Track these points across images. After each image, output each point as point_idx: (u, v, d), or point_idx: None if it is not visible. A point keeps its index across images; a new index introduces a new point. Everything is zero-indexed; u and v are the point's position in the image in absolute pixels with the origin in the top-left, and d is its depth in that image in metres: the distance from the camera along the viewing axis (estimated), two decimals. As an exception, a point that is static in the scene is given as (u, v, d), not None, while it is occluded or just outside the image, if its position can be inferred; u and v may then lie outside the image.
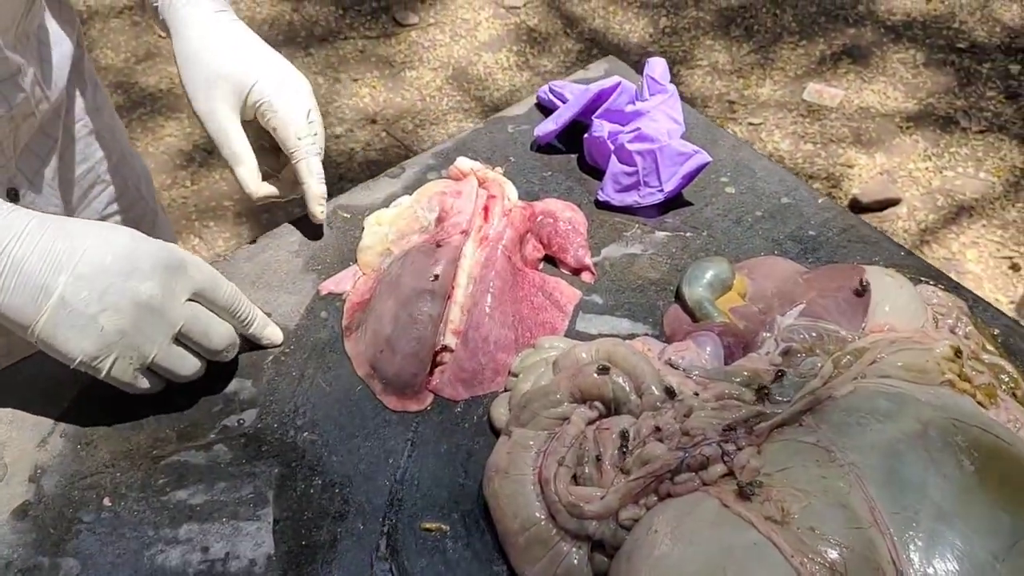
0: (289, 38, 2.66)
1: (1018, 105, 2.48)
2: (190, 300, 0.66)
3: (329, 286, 0.78)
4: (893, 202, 2.28)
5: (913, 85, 2.52)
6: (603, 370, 0.64)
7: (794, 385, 0.63)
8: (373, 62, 2.60)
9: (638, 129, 0.80)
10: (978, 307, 0.74)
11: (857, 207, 2.25)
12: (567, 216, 0.77)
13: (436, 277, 0.70)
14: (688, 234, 0.80)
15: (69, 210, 0.92)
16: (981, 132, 2.42)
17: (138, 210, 1.02)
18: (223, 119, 0.76)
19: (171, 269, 0.64)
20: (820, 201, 0.83)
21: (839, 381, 0.62)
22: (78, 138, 0.92)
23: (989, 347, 0.71)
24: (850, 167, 2.36)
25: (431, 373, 0.70)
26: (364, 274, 0.77)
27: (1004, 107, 2.47)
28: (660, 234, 0.80)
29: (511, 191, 0.76)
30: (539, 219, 0.77)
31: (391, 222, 0.78)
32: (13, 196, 0.82)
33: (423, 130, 2.44)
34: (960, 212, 2.28)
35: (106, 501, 0.63)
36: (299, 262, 0.79)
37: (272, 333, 0.72)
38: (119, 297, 0.62)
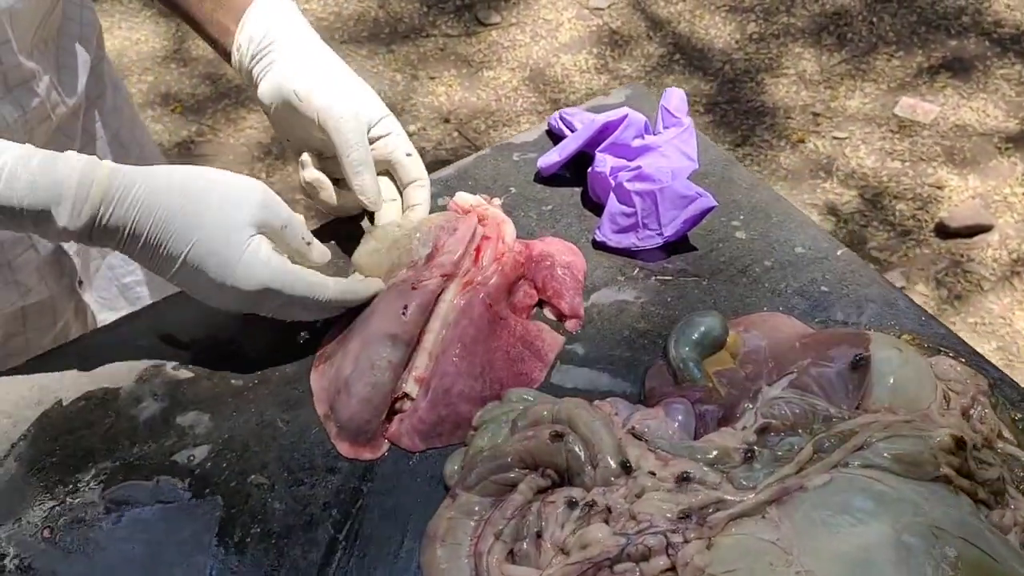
0: (373, 34, 2.67)
1: None
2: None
3: None
4: (984, 228, 2.14)
5: (1016, 104, 2.35)
6: (558, 436, 0.59)
7: (766, 468, 0.57)
8: (452, 60, 2.59)
9: (639, 168, 0.74)
10: (1002, 386, 0.66)
11: (944, 232, 2.12)
12: (566, 260, 0.72)
13: (403, 322, 0.66)
14: (688, 281, 0.75)
15: None
16: (1089, 158, 2.24)
17: None
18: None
19: (260, 293, 0.68)
20: (840, 253, 0.76)
21: (815, 469, 0.56)
22: (97, 139, 0.93)
23: (1007, 434, 0.63)
24: (939, 188, 2.21)
25: (389, 420, 0.67)
26: None
27: (1116, 132, 2.29)
28: (657, 280, 0.75)
29: (508, 233, 0.72)
30: (536, 263, 0.72)
31: (387, 248, 0.74)
32: None
33: (495, 131, 2.42)
34: (1059, 243, 2.12)
35: (45, 532, 0.62)
36: (279, 290, 0.76)
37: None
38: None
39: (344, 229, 0.81)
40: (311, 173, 0.78)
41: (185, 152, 2.40)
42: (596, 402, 0.64)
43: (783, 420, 0.60)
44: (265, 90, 0.77)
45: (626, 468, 0.57)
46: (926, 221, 2.16)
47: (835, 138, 2.34)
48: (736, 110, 2.38)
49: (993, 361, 0.69)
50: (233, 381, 0.70)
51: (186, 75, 2.57)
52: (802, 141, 2.32)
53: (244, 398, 0.69)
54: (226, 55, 0.81)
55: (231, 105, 2.54)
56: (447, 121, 2.43)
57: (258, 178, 2.38)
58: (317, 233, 0.76)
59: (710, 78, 2.48)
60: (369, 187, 0.75)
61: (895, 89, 2.41)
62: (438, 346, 0.68)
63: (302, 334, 0.73)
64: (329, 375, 0.68)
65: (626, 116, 0.78)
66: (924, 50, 2.50)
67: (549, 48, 2.59)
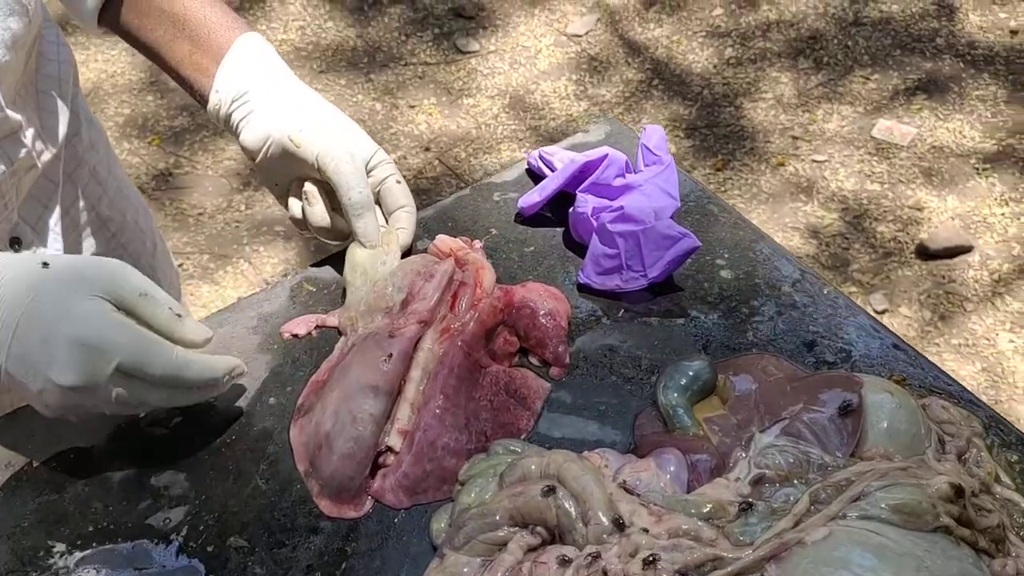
0: (352, 63, 2.66)
1: (1109, 149, 2.30)
2: (121, 373, 0.62)
3: (290, 328, 0.74)
4: (964, 249, 2.14)
5: (992, 124, 2.37)
6: (549, 491, 0.57)
7: (763, 522, 0.55)
8: (431, 88, 2.58)
9: (621, 208, 0.73)
10: (995, 428, 0.65)
11: (925, 253, 2.12)
12: (548, 307, 0.71)
13: (384, 371, 0.65)
14: (675, 323, 0.73)
15: (71, 250, 0.91)
16: (1065, 177, 2.26)
17: (137, 244, 1.00)
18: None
19: (88, 349, 0.60)
20: (826, 291, 0.74)
21: (813, 522, 0.55)
22: (77, 178, 0.91)
23: (1004, 478, 0.62)
24: (919, 210, 2.22)
25: (372, 476, 0.65)
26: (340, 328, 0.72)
27: (1091, 150, 2.31)
28: (643, 322, 0.74)
29: (487, 278, 0.71)
30: (517, 310, 0.71)
31: (370, 288, 0.73)
32: (16, 245, 0.81)
33: (475, 159, 2.41)
34: (1039, 263, 2.13)
35: (14, 603, 0.60)
36: (255, 340, 0.74)
37: (237, 371, 0.68)
38: (44, 384, 0.61)
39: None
40: (321, 214, 0.76)
41: (163, 184, 2.37)
42: (585, 453, 0.62)
43: (777, 470, 0.58)
44: (251, 136, 0.76)
45: (619, 525, 0.55)
46: (907, 243, 2.17)
47: (814, 161, 2.35)
48: (716, 134, 2.39)
49: (978, 382, 0.67)
50: (209, 438, 0.68)
51: (163, 106, 2.55)
52: (782, 164, 2.32)
53: (221, 456, 0.67)
54: (202, 99, 0.79)
55: (209, 136, 2.51)
56: (428, 149, 2.42)
57: (237, 210, 2.38)
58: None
59: (689, 103, 2.49)
60: (371, 229, 0.74)
61: (872, 111, 2.43)
62: (420, 397, 0.66)
63: (271, 400, 0.71)
64: (308, 430, 0.66)
65: (606, 156, 0.77)
66: (899, 72, 2.52)
67: (528, 75, 2.59)
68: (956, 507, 0.56)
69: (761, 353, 0.71)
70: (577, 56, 2.64)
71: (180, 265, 2.19)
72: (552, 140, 2.47)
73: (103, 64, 2.65)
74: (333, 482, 0.63)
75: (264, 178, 0.80)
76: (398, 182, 0.77)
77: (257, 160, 0.78)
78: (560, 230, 0.81)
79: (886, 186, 2.28)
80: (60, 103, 0.83)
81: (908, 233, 2.19)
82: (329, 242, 0.79)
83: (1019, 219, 2.19)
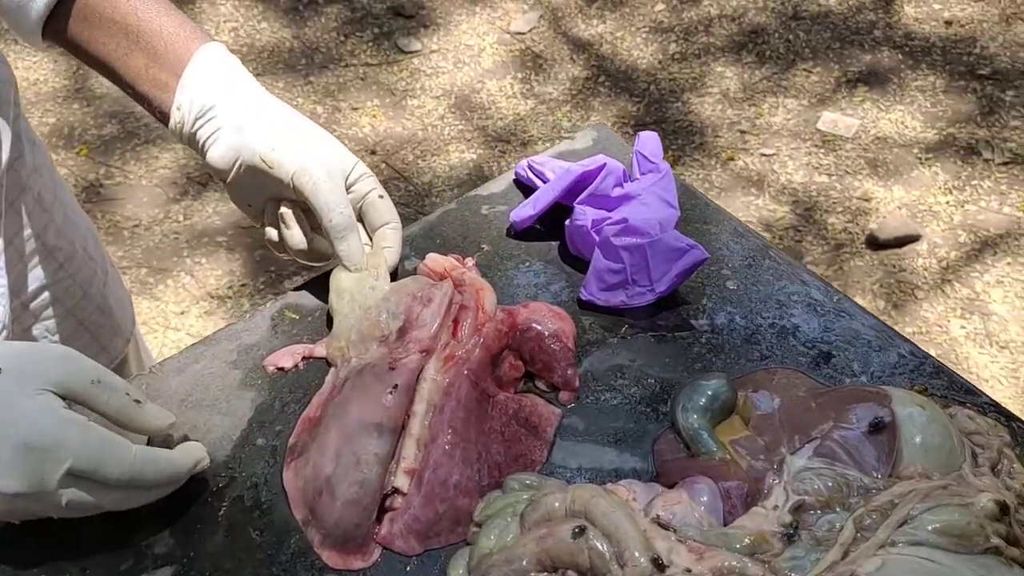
0: (289, 65, 2.57)
1: (1044, 135, 2.36)
2: (73, 476, 0.55)
3: (274, 361, 0.68)
4: (913, 238, 2.17)
5: (932, 114, 2.41)
6: (579, 532, 0.53)
7: (810, 554, 0.52)
8: (374, 90, 2.52)
9: (625, 220, 0.69)
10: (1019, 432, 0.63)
11: (875, 243, 2.15)
12: (553, 328, 0.67)
13: (387, 407, 0.60)
14: (684, 337, 0.70)
15: (17, 284, 0.83)
16: (1005, 164, 2.31)
17: (87, 272, 0.93)
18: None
19: (36, 453, 0.54)
20: (836, 300, 0.72)
21: (863, 552, 0.52)
22: (21, 205, 0.83)
23: (1038, 488, 0.60)
24: (867, 200, 2.25)
25: (379, 521, 0.60)
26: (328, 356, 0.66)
27: (1029, 137, 2.36)
28: (651, 338, 0.70)
29: (489, 300, 0.66)
30: (521, 332, 0.66)
31: (361, 316, 0.67)
32: None
33: (423, 161, 2.36)
34: (984, 249, 2.17)
35: None
36: (236, 376, 0.68)
37: (201, 465, 0.62)
38: None
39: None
40: (299, 237, 0.70)
41: (94, 196, 2.26)
42: (609, 485, 0.58)
43: (817, 496, 0.55)
44: (219, 155, 0.70)
45: (658, 565, 0.52)
46: (857, 234, 2.19)
47: (763, 155, 2.35)
48: (665, 130, 2.38)
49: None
50: (193, 488, 0.62)
51: (90, 115, 2.43)
52: (732, 159, 2.33)
53: (208, 507, 0.61)
54: (162, 116, 0.73)
55: (141, 144, 2.41)
56: (374, 152, 2.36)
57: (175, 221, 2.28)
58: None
59: (636, 99, 2.47)
60: (355, 252, 0.69)
61: (816, 104, 2.45)
62: (426, 432, 0.61)
63: (259, 441, 0.65)
64: (305, 474, 0.61)
65: (604, 165, 0.73)
66: (840, 65, 2.54)
67: (473, 74, 2.55)
68: (1003, 525, 0.53)
69: (777, 367, 0.68)
70: (521, 54, 2.60)
71: (117, 281, 2.08)
72: (501, 140, 2.43)
73: (24, 71, 2.51)
74: (337, 531, 0.58)
75: (236, 199, 0.74)
76: (381, 196, 0.72)
77: (228, 181, 0.72)
78: (555, 244, 0.77)
79: (834, 178, 2.30)
80: (2, 124, 0.76)
81: (858, 224, 2.21)
82: (310, 264, 0.73)
83: (963, 207, 2.23)
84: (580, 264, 0.75)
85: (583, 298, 0.72)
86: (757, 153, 2.35)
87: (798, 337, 0.70)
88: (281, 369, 0.69)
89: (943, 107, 2.42)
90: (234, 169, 0.70)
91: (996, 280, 2.13)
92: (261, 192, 0.72)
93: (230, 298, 2.07)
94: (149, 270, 2.13)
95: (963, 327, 2.03)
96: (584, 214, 0.72)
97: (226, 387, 0.68)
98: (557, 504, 0.56)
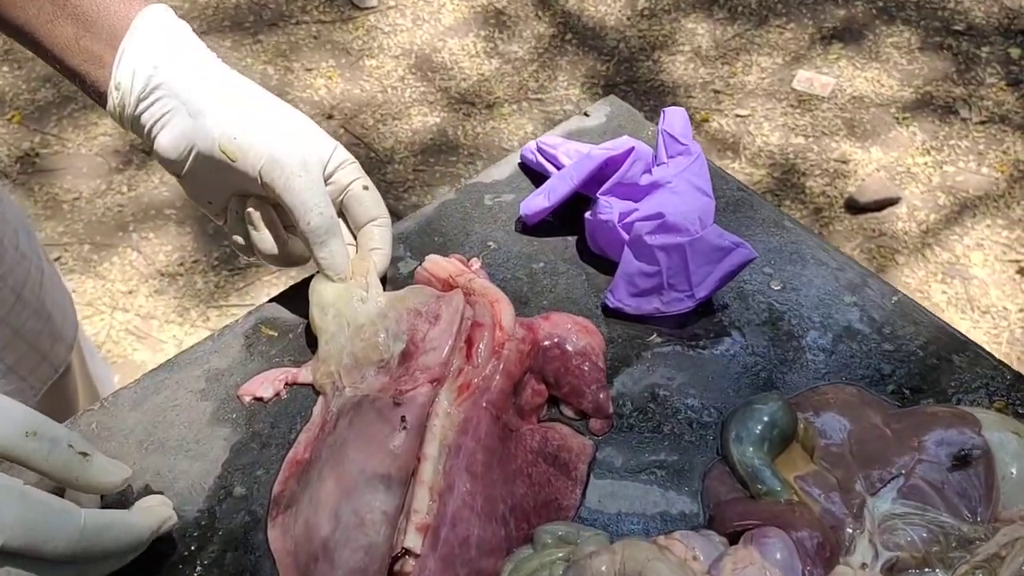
0: (236, 23, 2.41)
1: (1020, 93, 2.31)
2: (11, 556, 0.44)
3: (251, 390, 0.58)
4: (892, 201, 2.12)
5: (908, 72, 2.34)
6: (636, 606, 0.44)
7: (909, 625, 0.44)
8: (328, 49, 2.37)
9: (660, 215, 0.60)
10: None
11: (854, 207, 2.09)
12: (581, 345, 0.57)
13: (395, 453, 0.50)
14: (726, 349, 0.61)
15: None
16: (982, 123, 2.26)
17: (20, 272, 0.81)
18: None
19: None
20: (895, 300, 0.63)
21: (973, 620, 0.44)
22: None
23: None
24: (845, 163, 2.18)
25: (389, 588, 0.50)
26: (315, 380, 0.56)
27: (1005, 95, 2.31)
28: (688, 351, 0.61)
29: (506, 314, 0.56)
30: (544, 351, 0.57)
31: (353, 335, 0.57)
32: None
33: (384, 125, 2.23)
34: (963, 211, 2.12)
35: None
36: (206, 408, 0.58)
37: (167, 525, 0.51)
38: None
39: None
40: (270, 241, 0.59)
41: (29, 167, 2.10)
42: (661, 539, 0.49)
43: (912, 551, 0.47)
44: (169, 145, 0.58)
45: (733, 646, 0.43)
46: (835, 197, 2.13)
47: (738, 116, 2.27)
48: (636, 91, 2.28)
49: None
50: (159, 551, 0.52)
51: (21, 78, 2.26)
52: (706, 120, 2.24)
53: (178, 572, 0.51)
54: (98, 96, 0.61)
55: (79, 110, 2.24)
56: (330, 117, 2.22)
57: (119, 192, 2.14)
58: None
59: (605, 58, 2.36)
60: (338, 258, 0.58)
61: (790, 62, 2.37)
62: (440, 480, 0.51)
63: (237, 490, 0.55)
64: (295, 533, 0.51)
65: (632, 149, 0.63)
66: (814, 21, 2.46)
67: (433, 32, 2.41)
68: None
69: (835, 384, 0.59)
70: (484, 10, 2.47)
71: (58, 259, 1.94)
72: (465, 102, 2.31)
73: (-57, 31, 2.31)
74: (340, 605, 0.48)
75: (192, 194, 0.62)
76: (366, 188, 0.61)
77: (181, 175, 0.60)
78: (572, 239, 0.67)
79: (811, 139, 2.23)
80: None
81: (836, 187, 2.14)
82: (284, 267, 0.62)
83: (941, 168, 2.18)
84: (603, 263, 0.65)
85: (610, 305, 0.62)
86: (732, 114, 2.27)
87: (856, 346, 0.61)
88: (259, 399, 0.58)
89: (919, 64, 2.36)
90: (188, 161, 0.59)
91: (976, 243, 2.09)
92: (222, 187, 0.61)
93: (181, 275, 1.93)
94: (92, 246, 1.98)
95: (944, 292, 1.99)
96: (610, 207, 0.62)
97: (194, 423, 0.57)
98: (604, 568, 0.47)
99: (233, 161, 0.57)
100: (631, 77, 2.32)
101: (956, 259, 2.05)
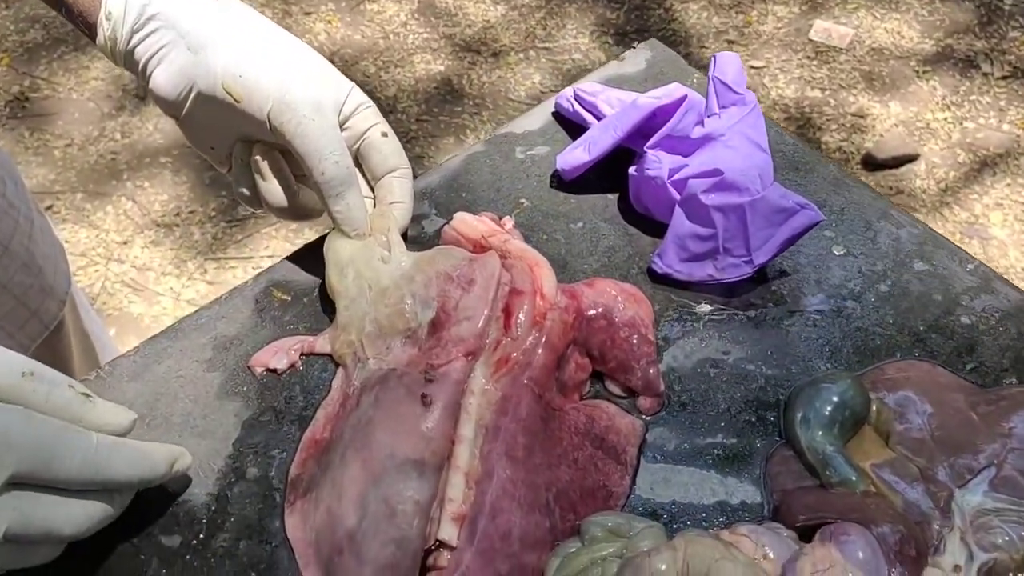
0: (228, -37, 2.30)
1: (1044, 47, 2.24)
2: (15, 489, 0.40)
3: (263, 360, 0.52)
4: (911, 158, 2.06)
5: (929, 23, 2.26)
6: (704, 614, 0.39)
7: (1010, 637, 0.39)
8: (329, -8, 2.29)
9: (718, 172, 0.54)
10: None
11: (872, 163, 2.02)
12: (628, 315, 0.51)
13: (428, 436, 0.44)
14: (785, 321, 0.55)
15: None
16: (1004, 78, 2.19)
17: (7, 223, 0.75)
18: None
19: None
20: (971, 267, 0.58)
21: (1084, 633, 0.39)
22: None
23: None
24: (862, 117, 2.11)
25: (421, 585, 0.45)
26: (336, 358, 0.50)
27: (1028, 49, 2.24)
28: (745, 322, 0.55)
29: (548, 280, 0.50)
30: (589, 322, 0.51)
31: (376, 299, 0.51)
32: None
33: (386, 73, 2.15)
34: (983, 169, 2.06)
35: None
36: (214, 380, 0.52)
37: (180, 465, 0.47)
38: None
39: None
40: (279, 193, 0.53)
41: (19, 111, 2.02)
42: (726, 534, 0.44)
43: (1011, 551, 0.42)
44: (167, 82, 0.52)
45: (815, 661, 0.38)
46: (852, 153, 2.06)
47: (752, 67, 2.19)
48: (646, 40, 2.20)
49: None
50: (164, 539, 0.46)
51: (10, 18, 2.17)
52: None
53: (187, 565, 0.46)
54: (87, 28, 0.54)
55: (69, 52, 2.15)
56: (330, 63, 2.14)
57: (112, 139, 2.06)
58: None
59: (616, 5, 2.28)
60: (355, 212, 0.52)
61: (807, 11, 2.28)
62: (477, 465, 0.46)
63: (251, 472, 0.49)
64: (316, 522, 0.46)
65: (685, 98, 0.57)
66: (833, -33, 2.37)
67: (437, -25, 2.32)
68: None
69: (909, 360, 0.53)
70: (490, -47, 2.37)
71: (50, 207, 1.87)
72: (470, 50, 2.22)
73: (-75, -32, 2.22)
74: (368, 605, 0.43)
75: (193, 139, 0.56)
76: (384, 135, 0.55)
77: (180, 117, 0.54)
78: (614, 197, 0.61)
79: (827, 92, 2.16)
80: None
81: (853, 143, 2.08)
82: (295, 221, 0.56)
83: (961, 124, 2.11)
84: (648, 224, 0.59)
85: (658, 271, 0.56)
86: (746, 65, 2.19)
87: (930, 319, 0.55)
88: (272, 371, 0.52)
89: (940, 16, 2.28)
90: (188, 101, 0.53)
91: (995, 202, 2.03)
92: (226, 132, 0.54)
93: (178, 226, 1.87)
94: (85, 195, 1.91)
95: (962, 253, 1.93)
96: (659, 162, 0.56)
97: (200, 397, 0.51)
98: (664, 567, 0.42)
99: (238, 102, 0.51)
100: (642, 26, 2.23)
101: (975, 218, 2.00)
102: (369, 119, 0.55)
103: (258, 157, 0.54)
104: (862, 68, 2.20)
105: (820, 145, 2.07)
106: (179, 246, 1.83)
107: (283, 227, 1.84)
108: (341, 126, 0.54)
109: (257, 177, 0.54)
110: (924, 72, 2.19)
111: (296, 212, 0.55)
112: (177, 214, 1.89)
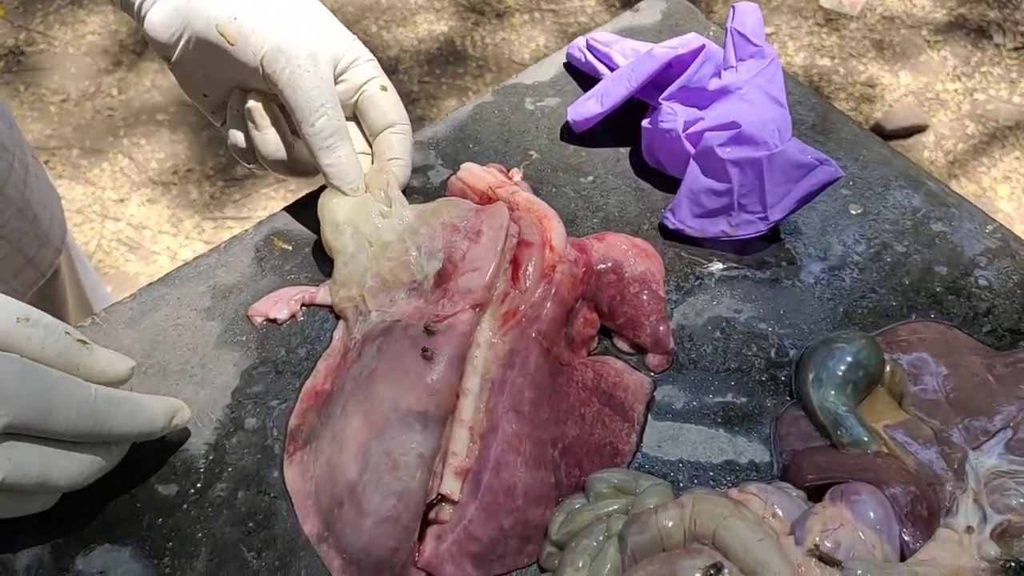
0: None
1: (1058, 18, 2.21)
2: (8, 436, 0.39)
3: (263, 310, 0.51)
4: (920, 128, 2.03)
5: (942, -9, 2.23)
6: (713, 572, 0.39)
7: (1025, 601, 0.38)
8: (326, -53, 2.24)
9: (736, 125, 0.52)
10: None
11: (880, 133, 2.00)
12: (639, 271, 0.50)
13: (433, 387, 0.43)
14: (800, 279, 0.54)
15: None
16: (1016, 50, 2.16)
17: (2, 166, 0.73)
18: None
19: None
20: (990, 228, 0.56)
21: (1101, 599, 0.38)
22: None
23: None
24: (872, 87, 2.09)
25: (421, 538, 0.44)
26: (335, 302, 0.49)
27: (1043, 20, 2.20)
28: (758, 280, 0.54)
29: (557, 232, 0.48)
30: (598, 276, 0.49)
31: (378, 254, 0.49)
32: None
33: (388, 32, 2.11)
34: (992, 141, 2.04)
35: None
36: (213, 329, 0.51)
37: (179, 419, 0.45)
38: None
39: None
40: (275, 143, 0.52)
41: (15, 65, 1.99)
42: (734, 492, 0.43)
43: (1025, 515, 0.41)
44: (160, 23, 0.50)
45: (826, 621, 0.37)
46: (861, 123, 2.04)
47: (761, 33, 2.16)
48: (656, 4, 2.16)
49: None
50: (160, 488, 0.45)
51: (3, -29, 2.13)
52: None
53: (182, 515, 0.45)
54: None
55: (66, 6, 2.12)
56: (331, 22, 2.11)
57: (108, 95, 2.04)
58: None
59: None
60: (349, 168, 0.50)
61: (818, -23, 2.25)
62: (482, 419, 0.45)
63: (250, 422, 0.48)
64: (316, 474, 0.45)
65: (702, 48, 0.55)
66: (845, -68, 2.33)
67: (442, -67, 2.27)
68: None
69: (924, 321, 0.52)
70: (496, -90, 2.33)
71: (46, 163, 1.85)
72: (474, 10, 2.19)
73: (-81, -85, 2.17)
74: (368, 558, 0.42)
75: (186, 85, 0.54)
76: (383, 89, 0.54)
77: (172, 60, 0.52)
78: (625, 151, 0.59)
79: (837, 61, 2.13)
80: None
81: (862, 112, 2.05)
82: (292, 178, 0.55)
83: (972, 95, 2.09)
84: (660, 178, 0.57)
85: (670, 226, 0.55)
86: (755, 31, 2.16)
87: (948, 280, 0.54)
88: (272, 321, 0.51)
89: (953, -16, 2.25)
90: (181, 44, 0.51)
91: (1004, 176, 2.01)
92: (219, 78, 0.53)
93: (175, 184, 1.85)
94: (81, 151, 1.89)
95: (970, 226, 1.92)
96: (674, 115, 0.54)
97: (199, 346, 0.50)
98: (671, 524, 0.41)
99: (232, 45, 0.49)
100: (650, -11, 2.20)
101: (983, 191, 1.98)
102: (367, 72, 0.53)
103: (252, 103, 0.52)
104: (873, 36, 2.17)
105: (827, 114, 2.05)
106: (176, 205, 1.81)
107: (282, 187, 1.82)
108: (337, 79, 0.52)
109: (251, 127, 0.53)
110: (935, 42, 2.16)
111: (292, 166, 0.54)
112: (174, 172, 1.86)
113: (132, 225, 1.78)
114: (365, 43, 2.16)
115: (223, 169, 1.86)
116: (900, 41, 2.16)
